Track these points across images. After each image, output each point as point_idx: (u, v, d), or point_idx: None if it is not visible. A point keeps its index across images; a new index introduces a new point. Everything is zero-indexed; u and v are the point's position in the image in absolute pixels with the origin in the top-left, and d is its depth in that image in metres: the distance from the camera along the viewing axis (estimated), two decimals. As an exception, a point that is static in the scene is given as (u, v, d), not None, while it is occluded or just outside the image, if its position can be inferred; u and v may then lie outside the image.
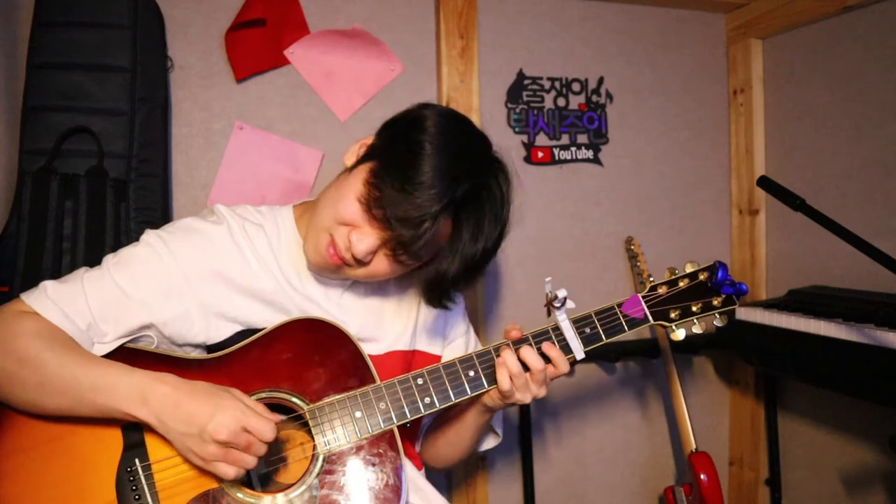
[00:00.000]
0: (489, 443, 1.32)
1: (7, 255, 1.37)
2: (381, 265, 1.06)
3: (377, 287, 1.21)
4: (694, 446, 1.81)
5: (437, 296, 1.15)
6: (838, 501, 1.80)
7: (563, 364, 1.09)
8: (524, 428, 1.86)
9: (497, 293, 1.88)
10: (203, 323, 1.06)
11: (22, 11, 1.47)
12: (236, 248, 1.10)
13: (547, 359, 1.09)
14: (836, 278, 1.79)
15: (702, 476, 1.76)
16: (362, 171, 1.04)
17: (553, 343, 1.10)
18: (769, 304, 1.73)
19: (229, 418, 0.92)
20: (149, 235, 1.09)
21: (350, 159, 1.10)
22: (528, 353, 1.08)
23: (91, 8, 1.43)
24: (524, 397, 1.08)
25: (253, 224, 1.14)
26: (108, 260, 1.07)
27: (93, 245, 1.40)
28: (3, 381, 0.95)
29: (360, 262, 1.04)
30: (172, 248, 1.06)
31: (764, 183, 1.32)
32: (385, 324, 1.20)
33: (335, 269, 1.08)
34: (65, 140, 1.41)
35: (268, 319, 1.10)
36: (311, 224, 1.09)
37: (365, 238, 1.02)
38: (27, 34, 1.42)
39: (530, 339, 1.11)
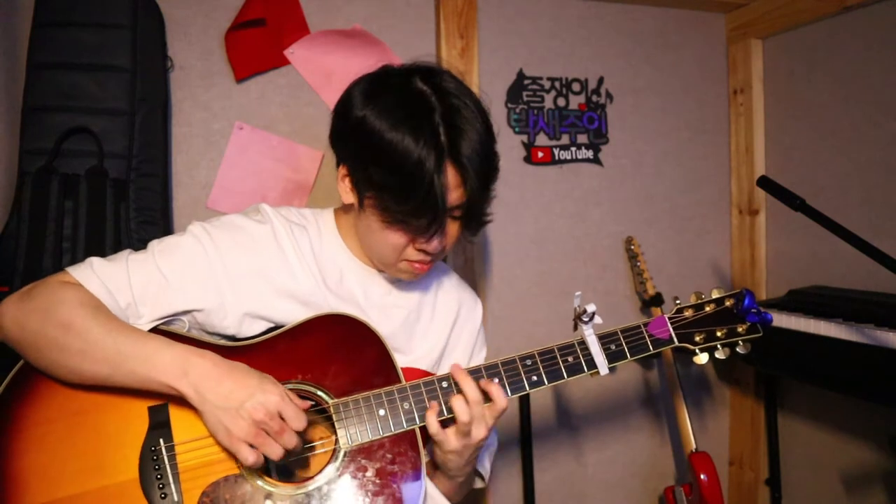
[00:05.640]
0: (477, 483, 1.31)
1: (7, 255, 1.37)
2: (451, 229, 1.11)
3: (416, 300, 1.22)
4: (694, 446, 1.81)
5: (478, 215, 1.12)
6: (838, 501, 1.81)
7: (501, 401, 1.07)
8: (524, 427, 1.86)
9: (497, 293, 1.88)
10: (236, 318, 1.08)
11: (22, 11, 1.47)
12: (278, 247, 1.12)
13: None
14: (836, 278, 1.79)
15: (702, 476, 1.76)
16: (372, 209, 1.07)
17: (490, 381, 1.08)
18: (769, 304, 1.73)
19: (269, 400, 0.95)
20: (195, 226, 1.11)
21: (348, 198, 1.12)
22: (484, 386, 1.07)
23: (91, 8, 1.44)
24: (479, 432, 1.06)
25: (297, 225, 1.16)
26: (154, 245, 1.09)
27: (93, 245, 1.40)
28: (44, 347, 0.97)
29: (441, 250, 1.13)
30: (217, 242, 1.09)
31: (764, 183, 1.32)
32: (415, 338, 1.21)
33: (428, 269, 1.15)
34: (65, 140, 1.41)
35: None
36: (381, 263, 1.16)
37: (431, 241, 1.08)
38: (27, 34, 1.43)
39: (483, 371, 1.10)
